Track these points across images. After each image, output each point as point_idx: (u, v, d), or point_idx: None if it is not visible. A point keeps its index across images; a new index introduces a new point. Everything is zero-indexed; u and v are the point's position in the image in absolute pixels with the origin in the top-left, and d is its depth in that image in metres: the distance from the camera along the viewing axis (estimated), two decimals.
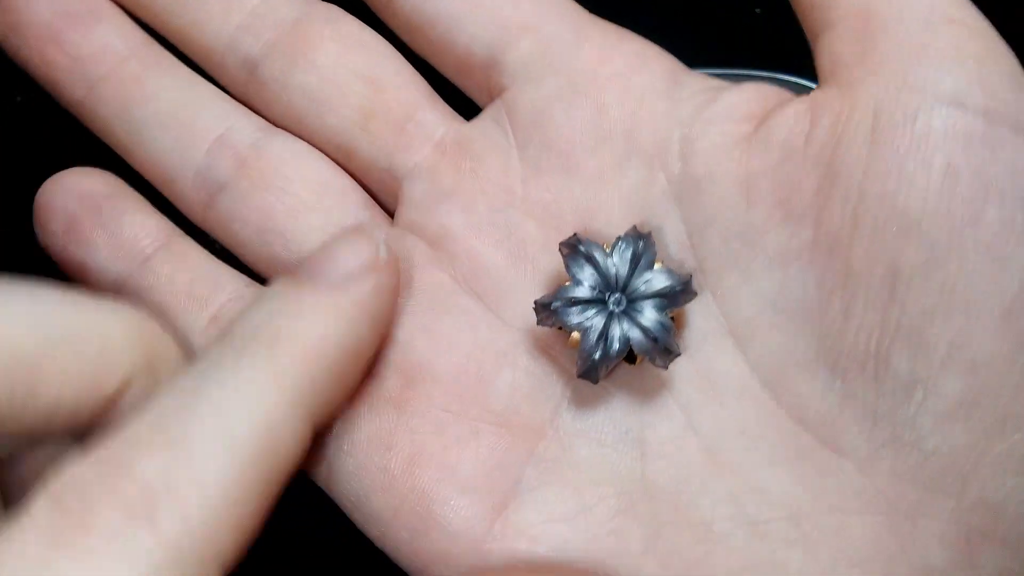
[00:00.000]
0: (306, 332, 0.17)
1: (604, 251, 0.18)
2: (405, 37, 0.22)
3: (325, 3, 0.22)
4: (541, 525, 0.18)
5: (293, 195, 0.21)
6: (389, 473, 0.18)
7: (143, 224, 0.21)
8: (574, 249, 0.18)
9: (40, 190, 0.21)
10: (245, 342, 0.16)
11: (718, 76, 0.20)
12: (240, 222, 0.21)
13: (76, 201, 0.21)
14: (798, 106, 0.18)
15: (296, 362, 0.16)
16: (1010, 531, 0.17)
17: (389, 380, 0.19)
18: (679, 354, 0.18)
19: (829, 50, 0.18)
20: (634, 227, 0.19)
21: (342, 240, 0.18)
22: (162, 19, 0.22)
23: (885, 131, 0.17)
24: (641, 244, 0.18)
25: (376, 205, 0.21)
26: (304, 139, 0.21)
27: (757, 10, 0.29)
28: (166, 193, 0.22)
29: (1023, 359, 0.16)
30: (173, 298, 0.20)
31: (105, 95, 0.21)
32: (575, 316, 0.18)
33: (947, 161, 0.16)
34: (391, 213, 0.21)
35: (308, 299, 0.17)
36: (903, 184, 0.16)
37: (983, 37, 0.17)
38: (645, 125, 0.20)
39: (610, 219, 0.19)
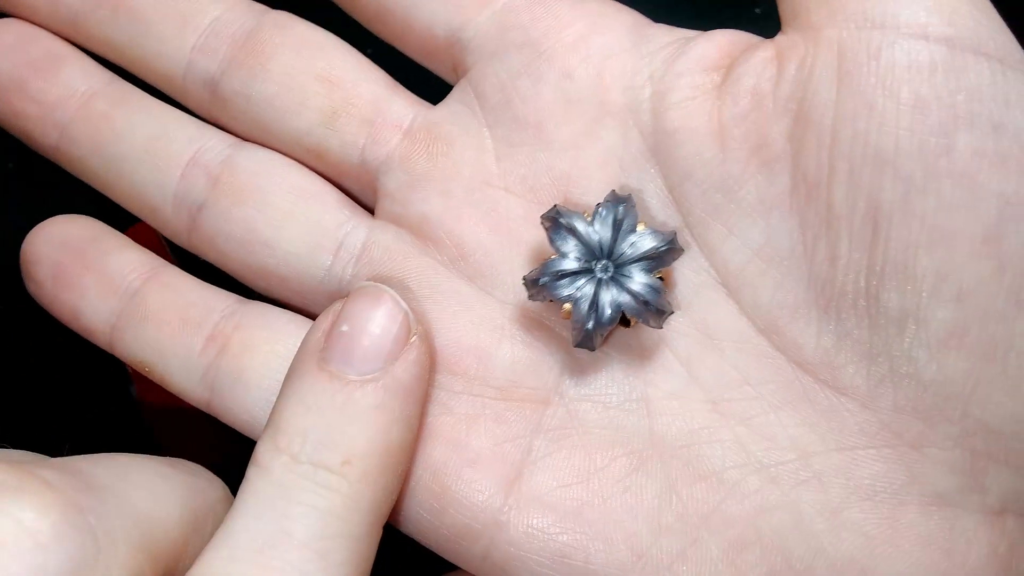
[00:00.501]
0: (371, 445, 0.17)
1: (585, 220, 0.18)
2: (368, 26, 0.22)
3: (276, 11, 0.22)
4: (556, 490, 0.18)
5: (271, 205, 0.21)
6: None
7: (128, 260, 0.21)
8: (555, 221, 0.18)
9: (24, 242, 0.22)
10: (314, 468, 0.17)
11: None
12: (224, 238, 0.21)
13: (60, 248, 0.21)
14: (764, 52, 0.18)
15: (370, 480, 0.17)
16: (1011, 451, 0.17)
17: None
18: (672, 312, 0.18)
19: None
20: (612, 192, 0.19)
21: (365, 305, 0.18)
22: (120, 51, 0.22)
23: (851, 70, 0.17)
24: (622, 208, 0.18)
25: (354, 204, 0.22)
26: (276, 148, 0.22)
27: (757, 10, 0.29)
28: (151, 223, 0.22)
29: (1007, 283, 0.16)
30: (167, 326, 0.21)
31: (77, 137, 0.22)
32: (564, 288, 0.18)
33: (914, 93, 0.16)
34: (372, 210, 0.21)
35: (359, 399, 0.17)
36: (874, 122, 0.16)
37: None
38: (614, 84, 0.19)
39: (590, 185, 0.19)
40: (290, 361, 0.18)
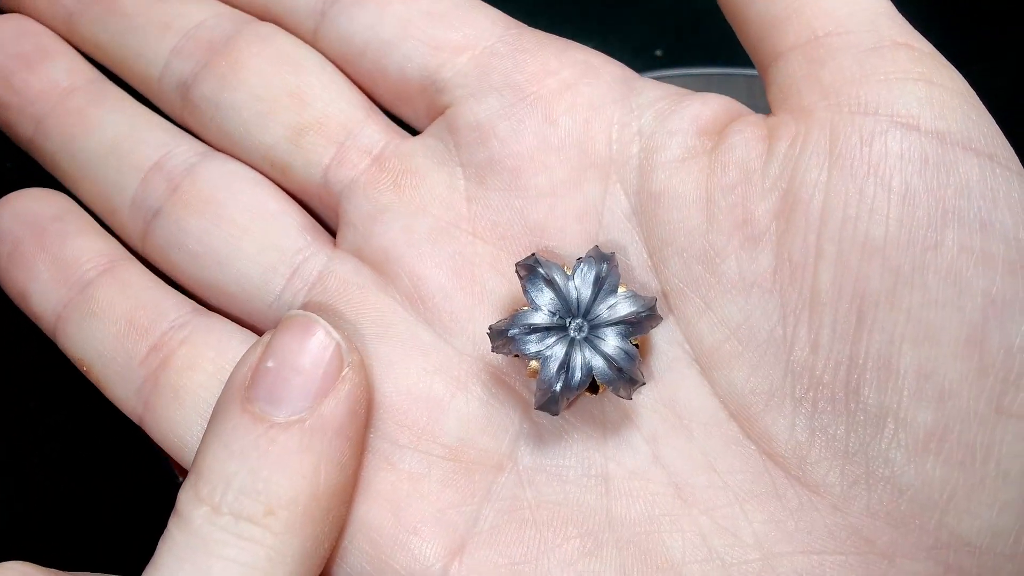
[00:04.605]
0: (296, 492, 0.16)
1: (565, 273, 0.17)
2: (339, 67, 0.21)
3: (262, 23, 0.21)
4: (502, 568, 0.17)
5: (228, 219, 0.20)
6: None
7: (87, 247, 0.20)
8: (532, 271, 0.17)
9: None
10: (236, 519, 0.15)
11: (725, 76, 0.19)
12: (176, 248, 0.20)
13: (22, 224, 0.20)
14: (755, 128, 0.18)
15: (296, 531, 0.16)
16: (984, 566, 0.16)
17: None
18: (644, 383, 0.17)
19: (779, 79, 0.18)
20: (596, 247, 0.17)
21: (293, 337, 0.17)
22: (105, 51, 0.22)
23: (843, 153, 0.16)
24: (604, 267, 0.17)
25: (318, 227, 0.20)
26: (242, 159, 0.21)
27: (657, 52, 0.29)
28: (110, 225, 0.21)
29: (988, 386, 0.16)
30: (113, 326, 0.19)
31: (50, 131, 0.21)
32: (534, 344, 0.17)
33: (905, 183, 0.16)
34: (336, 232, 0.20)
35: (284, 443, 0.16)
36: (864, 208, 0.16)
37: (930, 59, 0.17)
38: (599, 136, 0.18)
39: (565, 238, 0.18)
40: None
